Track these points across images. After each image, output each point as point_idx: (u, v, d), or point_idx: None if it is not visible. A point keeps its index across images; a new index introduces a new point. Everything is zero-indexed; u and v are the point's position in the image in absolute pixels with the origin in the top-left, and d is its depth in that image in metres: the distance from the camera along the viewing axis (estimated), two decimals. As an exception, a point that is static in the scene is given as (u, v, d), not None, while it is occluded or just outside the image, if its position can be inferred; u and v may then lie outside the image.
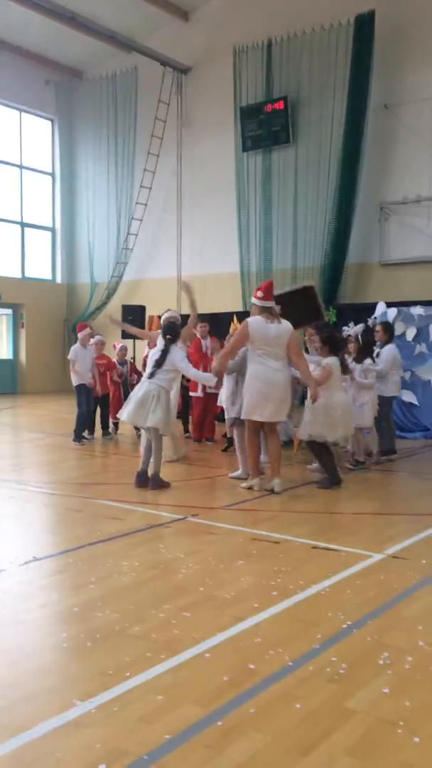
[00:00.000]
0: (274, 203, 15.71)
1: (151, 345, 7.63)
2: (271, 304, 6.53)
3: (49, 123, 20.32)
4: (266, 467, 7.05)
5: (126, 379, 10.63)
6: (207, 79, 17.18)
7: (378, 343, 8.37)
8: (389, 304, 11.19)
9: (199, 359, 9.38)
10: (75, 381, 9.80)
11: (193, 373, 7.03)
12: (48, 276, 20.56)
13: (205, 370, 8.11)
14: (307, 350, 7.75)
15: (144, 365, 8.01)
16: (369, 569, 4.27)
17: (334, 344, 6.92)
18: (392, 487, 7.11)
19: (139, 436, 10.40)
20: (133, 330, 8.79)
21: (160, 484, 6.61)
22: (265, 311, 6.47)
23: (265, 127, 15.64)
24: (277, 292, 7.14)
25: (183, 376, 7.68)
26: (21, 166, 19.57)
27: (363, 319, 10.30)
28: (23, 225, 19.66)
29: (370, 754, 2.36)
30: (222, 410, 9.28)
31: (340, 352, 6.98)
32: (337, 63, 14.50)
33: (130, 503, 6.11)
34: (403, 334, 10.66)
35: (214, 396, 9.18)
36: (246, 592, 3.85)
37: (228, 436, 9.21)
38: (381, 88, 14.11)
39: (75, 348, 9.85)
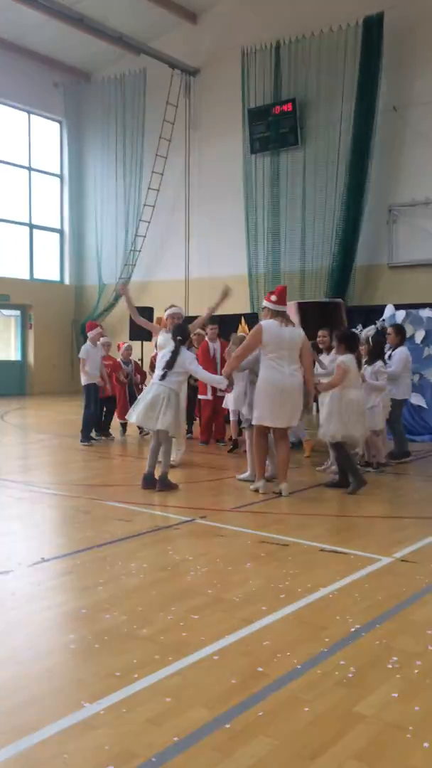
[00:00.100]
0: (282, 205, 15.70)
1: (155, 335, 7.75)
2: (284, 308, 6.50)
3: (57, 125, 20.37)
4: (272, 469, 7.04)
5: (131, 379, 10.65)
6: (215, 81, 17.19)
7: (388, 345, 8.35)
8: (398, 307, 11.16)
9: (207, 362, 9.36)
10: (84, 381, 9.79)
11: (203, 375, 7.03)
12: (56, 277, 20.61)
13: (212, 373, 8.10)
14: (319, 351, 7.70)
15: (151, 366, 8.03)
16: (377, 572, 4.25)
17: (350, 341, 6.78)
18: (401, 490, 7.09)
19: (144, 436, 10.46)
20: (141, 320, 8.56)
21: (167, 486, 6.61)
22: (279, 315, 6.43)
23: (274, 129, 15.64)
24: (305, 300, 7.12)
25: (190, 377, 7.69)
26: (29, 168, 19.63)
27: (372, 321, 10.29)
28: (31, 226, 19.72)
29: (378, 759, 2.35)
30: (228, 412, 9.30)
31: (356, 350, 6.85)
32: (345, 65, 14.50)
33: (137, 505, 6.11)
34: (412, 337, 10.62)
35: (223, 398, 9.18)
36: (254, 594, 3.85)
37: (233, 438, 9.21)
38: (389, 91, 14.10)
39: (86, 347, 9.84)
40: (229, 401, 8.96)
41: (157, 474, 6.68)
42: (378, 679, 2.88)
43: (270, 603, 3.70)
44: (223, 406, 9.20)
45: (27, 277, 19.60)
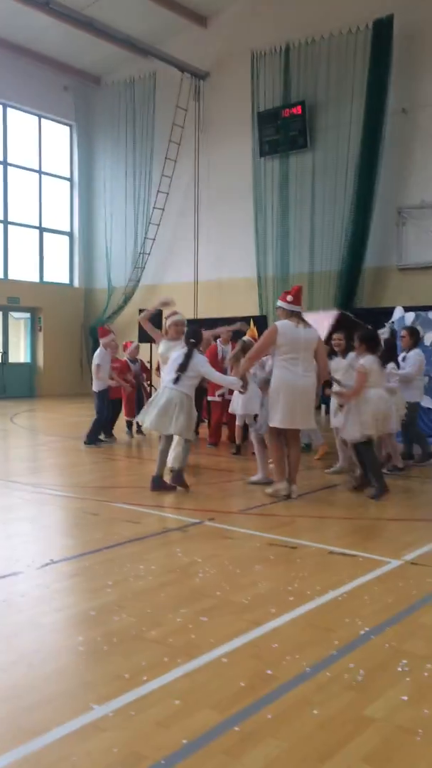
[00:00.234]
0: (291, 208, 15.70)
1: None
2: (299, 308, 6.46)
3: (67, 128, 20.46)
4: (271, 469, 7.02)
5: (139, 377, 10.68)
6: (225, 84, 17.22)
7: (400, 348, 8.32)
8: (407, 309, 11.12)
9: (214, 365, 9.33)
10: (98, 386, 9.79)
11: (217, 377, 7.01)
12: (66, 280, 20.68)
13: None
14: (333, 354, 7.64)
15: (158, 368, 8.01)
16: (387, 575, 4.23)
17: (371, 342, 6.63)
18: (412, 492, 7.06)
19: (139, 435, 10.48)
20: (148, 325, 8.52)
21: (180, 482, 6.60)
22: (294, 316, 6.39)
23: (283, 131, 15.65)
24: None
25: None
26: (40, 171, 19.72)
27: (381, 323, 10.23)
28: (42, 229, 19.80)
29: (388, 763, 2.33)
30: (232, 416, 9.28)
31: (378, 350, 6.68)
32: (355, 68, 14.49)
33: (146, 507, 6.11)
34: (421, 339, 10.58)
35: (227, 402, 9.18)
36: (263, 597, 3.84)
37: (237, 443, 9.19)
38: (399, 93, 14.08)
39: (101, 353, 9.84)
40: (237, 406, 8.93)
41: (167, 475, 6.69)
42: (387, 683, 2.87)
43: (279, 605, 3.69)
44: (230, 411, 9.16)
45: (37, 279, 19.68)
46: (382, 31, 14.02)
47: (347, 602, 3.77)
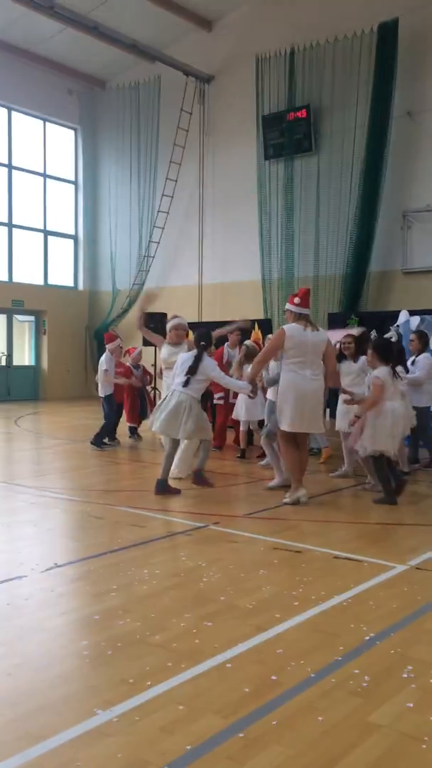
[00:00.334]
0: (296, 211, 15.69)
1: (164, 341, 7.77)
2: (307, 311, 6.42)
3: (72, 132, 20.51)
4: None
5: (141, 383, 10.70)
6: (229, 87, 17.24)
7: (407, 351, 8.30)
8: (412, 312, 11.11)
9: (220, 368, 9.32)
10: (105, 391, 9.81)
11: (226, 381, 7.00)
12: (70, 283, 20.71)
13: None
14: (343, 357, 7.61)
15: (161, 373, 8.00)
16: (392, 580, 4.22)
17: (384, 352, 6.49)
18: (417, 497, 7.02)
19: (136, 440, 10.48)
20: (145, 331, 8.52)
21: (202, 482, 6.60)
22: (302, 318, 6.35)
23: (288, 135, 15.65)
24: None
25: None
26: (44, 175, 19.76)
27: (386, 327, 10.24)
28: (46, 233, 19.84)
29: (394, 770, 2.32)
30: (235, 422, 9.26)
31: (391, 360, 6.51)
32: (360, 71, 14.49)
33: (150, 510, 6.10)
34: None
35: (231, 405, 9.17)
36: (268, 601, 3.83)
37: (242, 446, 9.17)
38: (404, 96, 14.07)
39: (108, 358, 9.85)
40: (240, 411, 8.92)
41: (173, 475, 6.69)
42: (392, 689, 2.85)
43: (283, 610, 3.68)
44: (234, 416, 9.13)
45: (41, 282, 19.71)
46: (387, 34, 14.02)
47: (352, 607, 3.76)
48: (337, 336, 7.97)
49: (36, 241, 19.65)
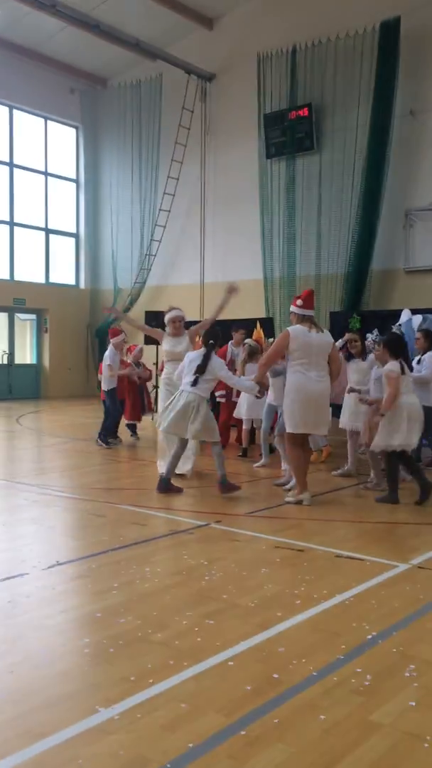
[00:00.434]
0: (298, 210, 15.66)
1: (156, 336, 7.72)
2: (311, 312, 6.40)
3: (73, 130, 20.49)
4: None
5: (141, 380, 10.71)
6: (231, 86, 17.21)
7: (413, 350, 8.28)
8: (414, 311, 11.08)
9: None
10: (108, 385, 9.81)
11: (234, 381, 6.99)
12: (72, 282, 20.70)
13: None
14: (350, 356, 7.58)
15: (162, 367, 7.98)
16: (394, 579, 4.22)
17: (395, 346, 6.46)
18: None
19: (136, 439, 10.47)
20: (145, 328, 8.63)
21: (230, 488, 6.51)
22: (306, 320, 6.33)
23: (289, 134, 15.60)
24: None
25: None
26: (46, 173, 19.75)
27: (387, 326, 10.19)
28: (48, 231, 19.83)
29: (396, 768, 2.32)
30: (238, 421, 9.25)
31: (402, 354, 6.48)
32: (362, 69, 14.45)
33: (152, 509, 6.10)
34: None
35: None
36: (269, 600, 3.82)
37: (244, 446, 9.16)
38: (406, 95, 14.03)
39: (112, 353, 9.85)
40: (242, 410, 8.91)
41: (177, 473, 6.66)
42: (395, 688, 2.85)
43: (285, 609, 3.68)
44: (235, 415, 9.11)
45: (43, 281, 19.71)
46: (389, 32, 13.97)
47: (354, 606, 3.75)
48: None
49: (37, 240, 19.63)
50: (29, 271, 19.29)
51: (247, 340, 9.74)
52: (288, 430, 6.32)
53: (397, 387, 6.22)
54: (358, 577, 4.20)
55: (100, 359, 11.09)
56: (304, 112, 15.41)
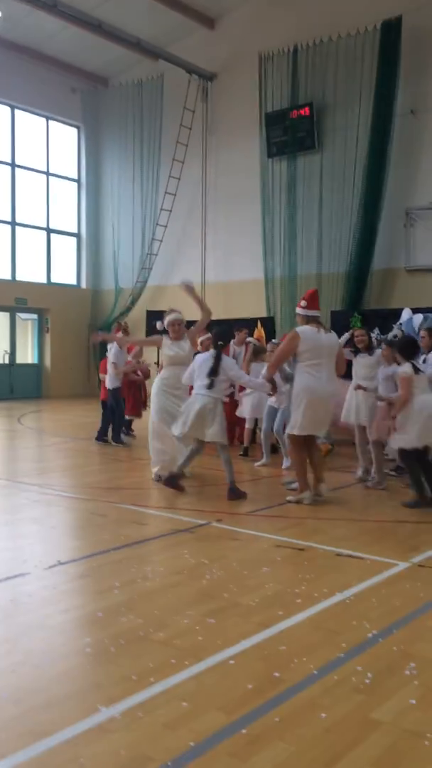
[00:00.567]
0: (299, 209, 15.67)
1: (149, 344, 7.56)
2: (317, 313, 6.37)
3: (75, 130, 20.50)
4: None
5: (139, 380, 10.73)
6: (232, 85, 17.22)
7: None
8: (415, 310, 11.09)
9: None
10: (113, 384, 9.82)
11: (245, 380, 6.97)
12: (73, 281, 20.71)
13: None
14: (357, 351, 7.55)
15: (160, 369, 7.96)
16: (394, 578, 4.22)
17: (409, 350, 6.41)
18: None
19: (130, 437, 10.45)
20: (143, 342, 8.53)
21: (238, 495, 6.44)
22: (313, 321, 6.30)
23: (291, 133, 15.61)
24: None
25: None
26: (47, 173, 19.76)
27: (388, 325, 10.21)
28: (49, 231, 19.84)
29: (396, 767, 2.32)
30: (239, 420, 9.25)
31: (415, 357, 6.45)
32: (363, 69, 14.45)
33: (153, 508, 6.11)
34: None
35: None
36: (270, 599, 3.83)
37: (245, 444, 9.16)
38: (407, 94, 14.03)
39: (116, 350, 9.87)
40: (246, 409, 8.91)
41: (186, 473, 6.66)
42: (395, 686, 2.86)
43: (286, 608, 3.68)
44: (237, 414, 9.10)
45: (44, 281, 19.72)
46: (391, 32, 13.97)
47: (355, 605, 3.76)
48: None
49: (39, 240, 19.65)
50: (31, 271, 19.31)
51: (249, 339, 9.76)
52: (293, 432, 6.27)
53: (410, 389, 6.20)
54: (359, 576, 4.21)
55: (101, 359, 11.11)
56: (306, 111, 15.42)
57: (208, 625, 3.45)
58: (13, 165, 18.82)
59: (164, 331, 7.60)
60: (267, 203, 16.18)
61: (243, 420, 9.20)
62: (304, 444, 6.43)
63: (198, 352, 7.45)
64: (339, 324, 11.59)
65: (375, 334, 8.25)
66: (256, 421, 9.12)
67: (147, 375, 11.08)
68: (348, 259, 14.70)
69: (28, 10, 15.54)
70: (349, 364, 7.34)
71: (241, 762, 2.32)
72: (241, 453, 9.08)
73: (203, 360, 6.67)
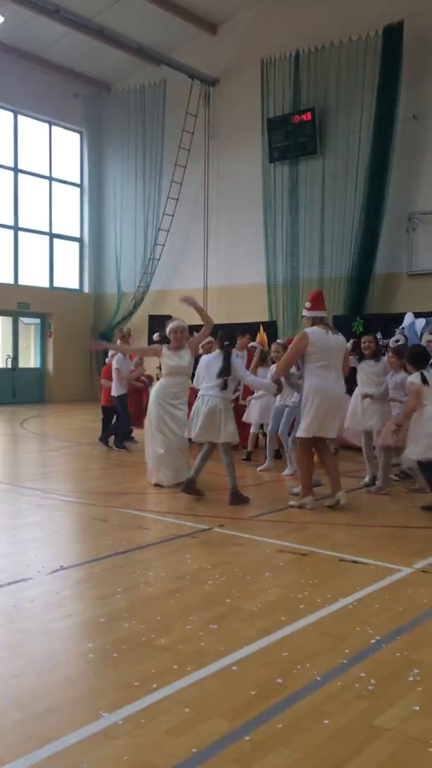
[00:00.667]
0: (301, 214, 15.69)
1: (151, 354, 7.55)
2: (323, 314, 6.33)
3: (77, 135, 20.55)
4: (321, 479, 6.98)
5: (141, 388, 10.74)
6: (235, 90, 17.26)
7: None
8: (417, 315, 11.09)
9: None
10: (117, 391, 9.83)
11: (251, 380, 6.95)
12: (76, 286, 20.74)
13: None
14: (363, 357, 7.53)
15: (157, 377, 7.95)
16: (397, 583, 4.21)
17: (420, 359, 6.37)
18: (422, 500, 7.00)
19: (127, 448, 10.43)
20: (141, 350, 8.47)
21: (240, 500, 6.41)
22: (319, 321, 6.27)
23: (293, 138, 15.64)
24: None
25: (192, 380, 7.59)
26: (50, 178, 19.81)
27: (391, 329, 10.20)
28: (52, 235, 19.88)
29: (400, 774, 2.31)
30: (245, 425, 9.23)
31: (425, 366, 6.37)
32: (365, 74, 14.48)
33: (156, 513, 6.11)
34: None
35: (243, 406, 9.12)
36: (273, 604, 3.82)
37: (249, 449, 9.14)
38: (409, 99, 14.05)
39: (120, 358, 9.88)
40: (254, 414, 8.87)
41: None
42: (399, 692, 2.85)
43: (289, 613, 3.67)
44: (244, 419, 9.06)
45: (47, 285, 19.75)
46: (393, 37, 14.00)
47: (358, 610, 3.75)
48: None
49: (41, 244, 19.68)
50: (33, 276, 19.35)
51: (253, 344, 9.76)
52: (302, 434, 6.22)
53: (419, 399, 6.18)
54: (362, 582, 4.20)
55: (103, 364, 11.12)
56: (308, 116, 15.45)
57: (211, 631, 3.44)
58: (15, 170, 18.87)
59: (163, 340, 7.56)
60: (269, 208, 16.20)
61: (246, 425, 9.19)
62: (313, 448, 6.39)
63: (199, 355, 7.46)
64: (341, 329, 11.60)
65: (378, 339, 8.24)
66: (261, 426, 9.12)
67: (150, 381, 11.09)
68: (350, 264, 14.71)
69: (30, 16, 15.60)
70: (353, 370, 7.34)
71: (244, 769, 2.31)
72: (244, 458, 9.07)
73: (209, 361, 6.63)
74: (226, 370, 6.41)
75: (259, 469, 8.35)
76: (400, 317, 11.33)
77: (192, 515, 6.00)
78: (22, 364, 19.31)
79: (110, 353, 10.52)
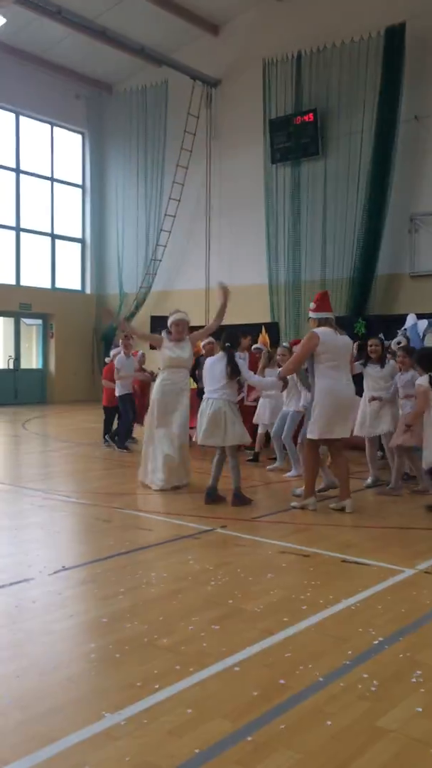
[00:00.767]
0: (303, 215, 15.70)
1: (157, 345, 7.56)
2: (329, 314, 6.30)
3: (79, 136, 20.58)
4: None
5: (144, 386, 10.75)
6: (236, 92, 17.27)
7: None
8: (420, 316, 11.07)
9: None
10: (120, 390, 9.83)
11: (255, 380, 6.92)
12: (77, 287, 20.76)
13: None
14: (367, 361, 7.53)
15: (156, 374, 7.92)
16: (400, 584, 4.20)
17: (428, 361, 6.35)
18: (425, 501, 7.00)
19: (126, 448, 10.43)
20: (147, 336, 8.53)
21: (242, 501, 6.39)
22: (326, 322, 6.25)
23: (295, 139, 15.66)
24: None
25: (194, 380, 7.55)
26: (52, 179, 19.83)
27: (393, 330, 10.19)
28: (54, 236, 19.90)
29: (403, 775, 2.31)
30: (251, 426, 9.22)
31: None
32: (367, 75, 14.49)
33: (158, 514, 6.10)
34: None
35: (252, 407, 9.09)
36: (275, 605, 3.82)
37: (256, 450, 9.13)
38: (411, 100, 14.06)
39: (121, 357, 9.88)
40: (264, 415, 8.82)
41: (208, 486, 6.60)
42: (401, 693, 2.84)
43: (292, 614, 3.67)
44: (254, 421, 9.00)
45: (49, 286, 19.77)
46: (394, 38, 14.02)
47: (360, 611, 3.74)
48: None
49: (43, 245, 19.71)
50: (35, 277, 19.37)
51: (256, 345, 9.75)
52: (312, 435, 6.16)
53: (426, 401, 6.15)
54: (365, 582, 4.19)
55: (105, 364, 11.12)
56: (310, 117, 15.46)
57: (213, 632, 3.43)
58: (17, 171, 18.89)
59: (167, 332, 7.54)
60: (271, 209, 16.20)
61: (253, 426, 9.19)
62: (328, 449, 6.37)
63: (200, 356, 7.43)
64: (343, 330, 11.60)
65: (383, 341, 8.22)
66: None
67: (153, 376, 11.08)
68: (352, 265, 14.71)
69: (32, 17, 15.63)
70: (359, 375, 7.30)
71: (246, 770, 2.31)
72: (251, 458, 9.04)
73: (213, 363, 6.59)
74: (235, 371, 6.35)
75: (269, 468, 8.35)
76: (402, 318, 11.31)
77: (194, 516, 6.00)
78: (24, 365, 19.32)
79: (111, 353, 10.51)
